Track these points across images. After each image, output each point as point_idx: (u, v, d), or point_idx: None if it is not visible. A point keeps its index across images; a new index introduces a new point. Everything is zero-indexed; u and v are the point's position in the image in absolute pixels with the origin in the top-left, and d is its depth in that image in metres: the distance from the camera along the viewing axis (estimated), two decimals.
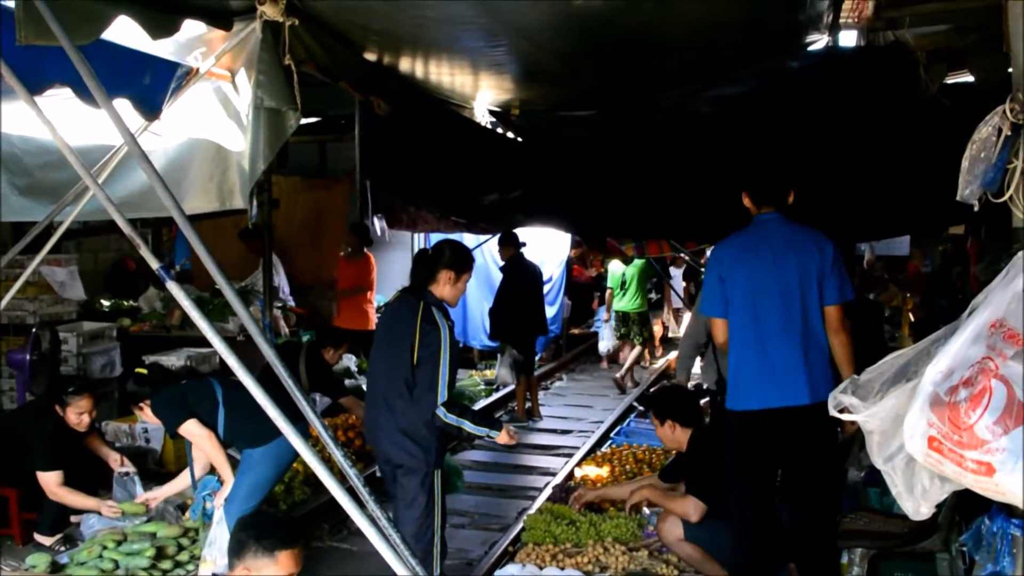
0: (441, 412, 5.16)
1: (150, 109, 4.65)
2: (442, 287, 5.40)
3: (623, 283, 14.50)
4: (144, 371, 6.45)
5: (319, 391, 8.49)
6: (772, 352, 5.10)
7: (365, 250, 11.71)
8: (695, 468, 6.03)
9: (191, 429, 5.96)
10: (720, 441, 5.68)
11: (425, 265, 5.49)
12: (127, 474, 6.95)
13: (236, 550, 3.52)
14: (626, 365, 14.28)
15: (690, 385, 7.88)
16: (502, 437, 5.39)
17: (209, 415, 6.00)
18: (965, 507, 4.52)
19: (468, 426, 5.24)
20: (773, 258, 5.14)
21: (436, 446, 5.32)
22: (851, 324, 5.21)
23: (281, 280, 11.18)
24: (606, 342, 15.65)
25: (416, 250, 11.35)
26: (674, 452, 6.68)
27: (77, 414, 6.65)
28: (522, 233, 11.38)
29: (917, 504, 2.92)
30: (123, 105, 4.36)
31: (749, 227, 5.34)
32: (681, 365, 7.86)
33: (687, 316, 15.52)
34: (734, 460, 5.37)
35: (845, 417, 3.07)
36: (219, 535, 5.69)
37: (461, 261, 5.52)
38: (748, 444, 5.23)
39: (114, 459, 7.03)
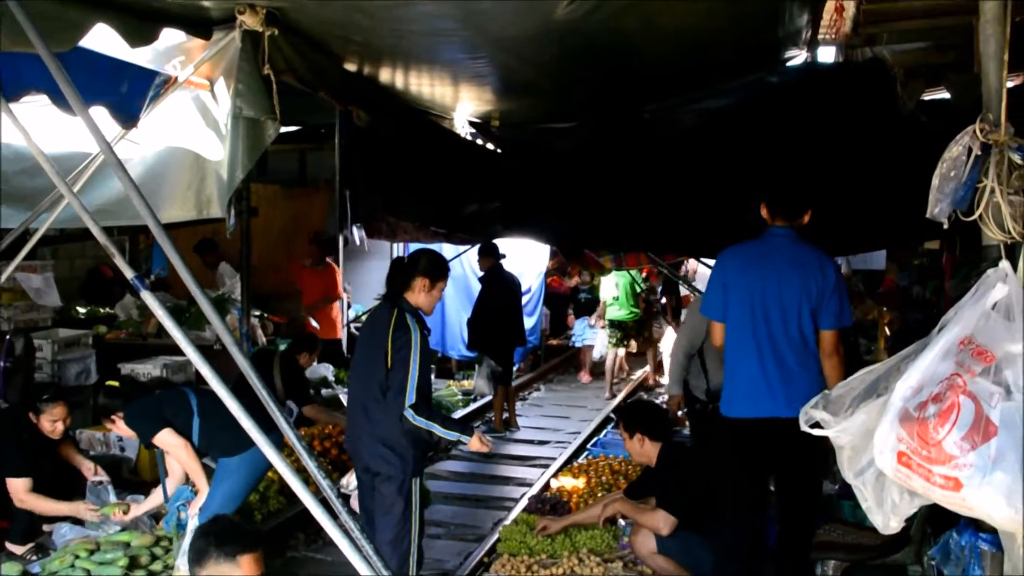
0: (409, 414, 5.24)
1: (127, 117, 4.64)
2: (417, 295, 5.52)
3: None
4: (115, 384, 6.40)
5: (293, 398, 8.48)
6: (767, 364, 5.16)
7: (328, 260, 11.73)
8: (665, 482, 6.05)
9: (166, 439, 5.93)
10: (713, 447, 5.76)
11: (401, 273, 5.60)
12: (101, 483, 6.90)
13: (196, 559, 3.52)
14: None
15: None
16: (473, 443, 5.44)
17: (184, 424, 5.98)
18: (936, 520, 4.55)
19: (437, 429, 5.32)
20: (778, 274, 5.19)
21: (414, 454, 5.38)
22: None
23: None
24: (599, 348, 15.64)
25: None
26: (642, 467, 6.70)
27: (51, 422, 6.59)
28: (501, 244, 11.39)
29: (887, 518, 2.95)
30: (100, 113, 4.35)
31: (759, 238, 5.37)
32: (673, 378, 7.76)
33: (669, 331, 15.56)
34: (727, 466, 5.43)
35: (817, 432, 3.09)
36: None
37: (436, 269, 5.62)
38: (740, 450, 5.29)
39: (88, 467, 6.97)
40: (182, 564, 5.76)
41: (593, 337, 15.42)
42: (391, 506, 5.43)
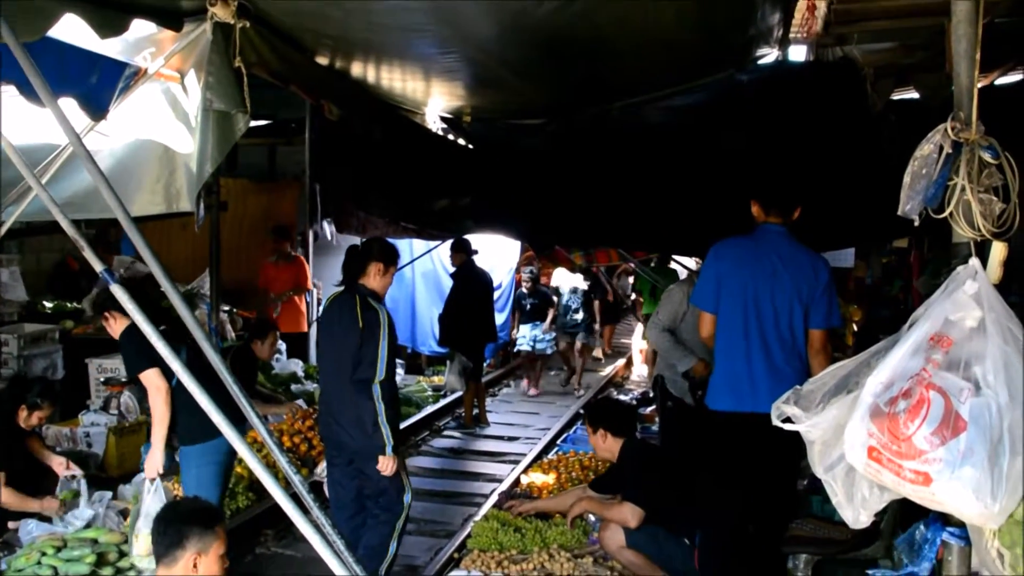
0: (375, 389, 5.59)
1: (97, 109, 4.58)
2: (372, 279, 5.90)
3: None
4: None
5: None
6: (755, 360, 5.22)
7: (295, 253, 11.68)
8: (628, 476, 6.09)
9: (153, 378, 5.80)
10: (695, 440, 5.92)
11: (356, 260, 5.94)
12: (74, 477, 6.83)
13: (178, 541, 3.58)
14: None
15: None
16: (384, 459, 5.67)
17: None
18: (907, 514, 4.59)
19: (382, 417, 5.61)
20: (772, 270, 5.24)
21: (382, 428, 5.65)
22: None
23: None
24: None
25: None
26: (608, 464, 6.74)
27: (38, 418, 6.56)
28: (473, 240, 11.39)
29: (857, 513, 2.96)
30: (69, 104, 4.30)
31: (753, 234, 5.41)
32: (675, 355, 7.25)
33: (639, 327, 15.60)
34: (708, 458, 5.51)
35: (787, 427, 3.11)
36: (152, 507, 5.59)
37: (388, 255, 6.00)
38: (723, 444, 5.35)
39: (59, 463, 6.86)
40: (143, 526, 5.68)
41: (546, 344, 14.59)
42: (383, 488, 5.81)
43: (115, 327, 6.02)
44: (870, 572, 3.52)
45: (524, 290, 14.65)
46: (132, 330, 5.81)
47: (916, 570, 2.97)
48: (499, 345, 15.07)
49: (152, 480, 5.76)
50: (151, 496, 5.71)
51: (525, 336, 14.50)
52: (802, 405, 3.07)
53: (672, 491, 5.89)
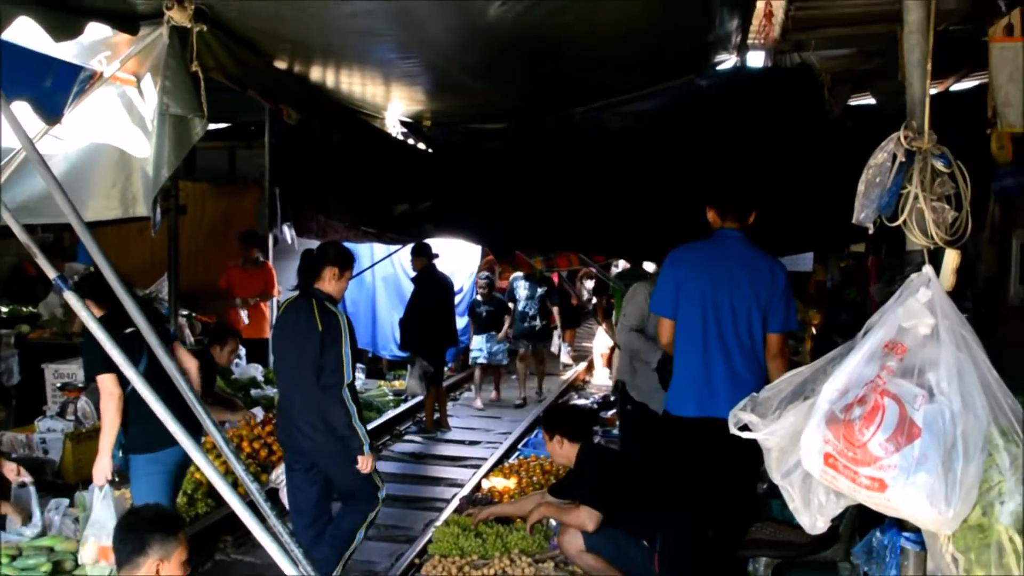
0: (345, 393, 5.65)
1: (51, 113, 4.52)
2: (327, 283, 5.92)
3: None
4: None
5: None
6: (714, 365, 5.23)
7: (262, 259, 11.60)
8: (585, 480, 6.10)
9: (108, 384, 5.65)
10: (654, 445, 5.99)
11: (311, 264, 5.97)
12: (24, 484, 6.73)
13: (140, 548, 3.59)
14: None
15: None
16: (363, 458, 5.76)
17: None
18: (865, 518, 4.63)
19: (355, 420, 5.69)
20: (730, 275, 5.26)
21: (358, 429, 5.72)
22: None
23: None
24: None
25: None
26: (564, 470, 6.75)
27: None
28: (434, 244, 11.37)
29: (814, 519, 2.99)
30: (23, 108, 4.24)
31: (710, 239, 5.42)
32: (644, 345, 7.20)
33: (600, 332, 15.61)
34: (669, 463, 5.53)
35: (745, 435, 3.13)
36: (101, 514, 5.55)
37: (343, 259, 6.04)
38: (683, 449, 5.35)
39: (9, 469, 6.77)
40: (90, 533, 5.60)
41: (501, 354, 14.17)
42: (354, 489, 5.92)
43: (96, 310, 5.89)
44: None
45: (479, 297, 14.17)
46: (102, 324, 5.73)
47: None
48: (460, 349, 14.97)
49: (101, 487, 5.69)
50: (99, 503, 5.64)
51: (481, 349, 13.95)
52: (759, 412, 3.09)
53: (631, 494, 5.90)
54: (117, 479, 5.83)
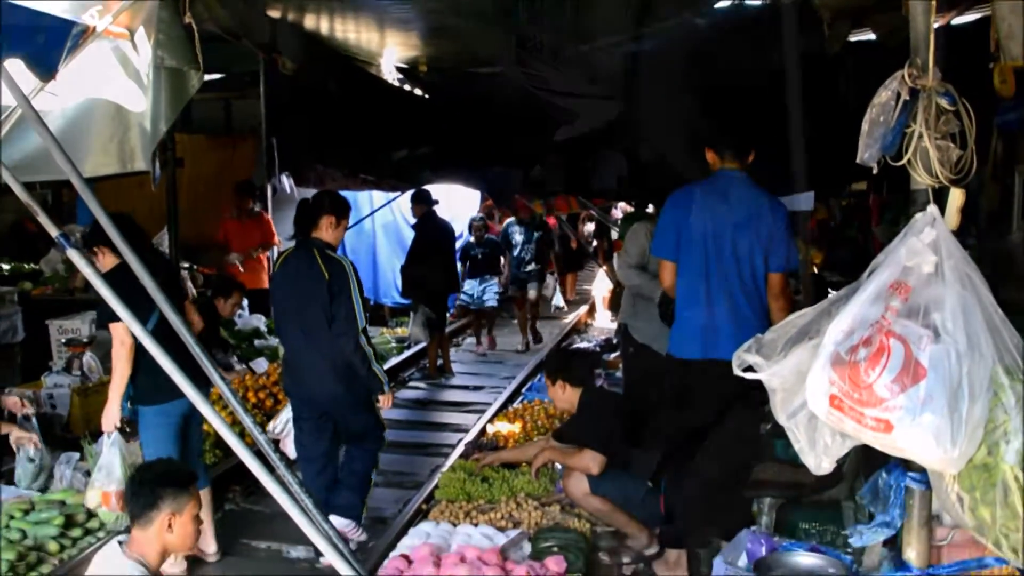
0: (362, 339, 5.71)
1: (45, 69, 4.46)
2: (325, 232, 5.91)
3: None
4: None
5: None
6: (717, 306, 5.22)
7: (258, 209, 11.51)
8: (588, 423, 6.12)
9: (120, 331, 5.63)
10: (658, 386, 5.93)
11: (307, 214, 5.96)
12: (28, 417, 6.81)
13: (152, 502, 3.61)
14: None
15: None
16: (384, 396, 5.99)
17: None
18: (869, 457, 4.65)
19: (374, 363, 5.81)
20: (730, 215, 5.22)
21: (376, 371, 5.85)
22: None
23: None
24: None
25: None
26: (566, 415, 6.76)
27: None
28: (434, 190, 11.32)
29: (819, 459, 3.00)
30: (16, 65, 4.20)
31: (710, 179, 5.38)
32: (649, 290, 6.99)
33: (600, 274, 15.58)
34: (674, 402, 5.55)
35: (749, 376, 3.13)
36: (108, 459, 5.60)
37: (340, 207, 6.03)
38: (688, 389, 5.37)
39: (13, 402, 6.80)
40: (97, 478, 5.64)
41: (494, 298, 13.68)
42: (365, 432, 6.05)
43: (104, 262, 5.87)
44: (846, 531, 3.56)
45: (472, 239, 13.75)
46: (115, 274, 5.70)
47: (887, 519, 3.02)
48: None
49: (109, 433, 5.72)
50: (108, 449, 5.67)
51: (472, 294, 13.56)
52: (764, 353, 3.09)
53: (635, 437, 5.93)
54: (128, 428, 5.86)
